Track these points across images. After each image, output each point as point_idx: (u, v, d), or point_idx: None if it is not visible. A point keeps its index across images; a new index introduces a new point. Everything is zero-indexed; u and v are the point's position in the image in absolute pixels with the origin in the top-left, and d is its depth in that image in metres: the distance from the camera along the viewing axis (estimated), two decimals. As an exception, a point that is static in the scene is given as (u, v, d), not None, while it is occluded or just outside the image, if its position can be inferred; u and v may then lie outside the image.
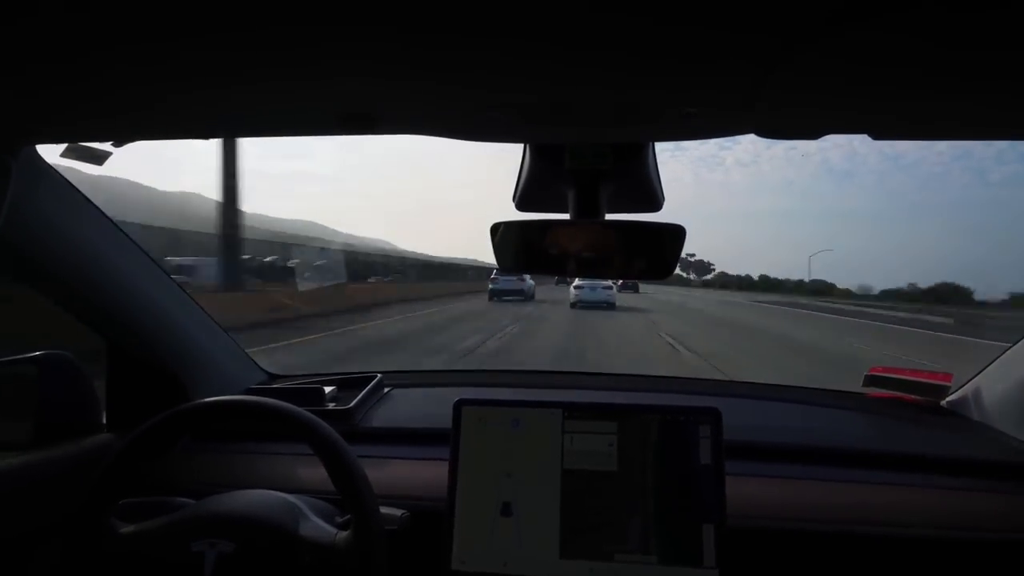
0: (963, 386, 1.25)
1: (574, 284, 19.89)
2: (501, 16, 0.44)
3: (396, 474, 1.07)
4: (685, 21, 0.44)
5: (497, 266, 0.89)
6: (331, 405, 1.27)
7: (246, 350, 1.42)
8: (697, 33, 0.46)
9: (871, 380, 1.33)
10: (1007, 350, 1.17)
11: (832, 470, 1.05)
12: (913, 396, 1.27)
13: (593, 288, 18.80)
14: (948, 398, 1.26)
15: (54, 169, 0.89)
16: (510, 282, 20.70)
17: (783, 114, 0.65)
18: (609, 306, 19.16)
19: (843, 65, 0.49)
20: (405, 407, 1.35)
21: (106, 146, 0.87)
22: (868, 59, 0.48)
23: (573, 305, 18.90)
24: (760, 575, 0.92)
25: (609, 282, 18.96)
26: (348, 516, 0.82)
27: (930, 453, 1.09)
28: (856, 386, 1.36)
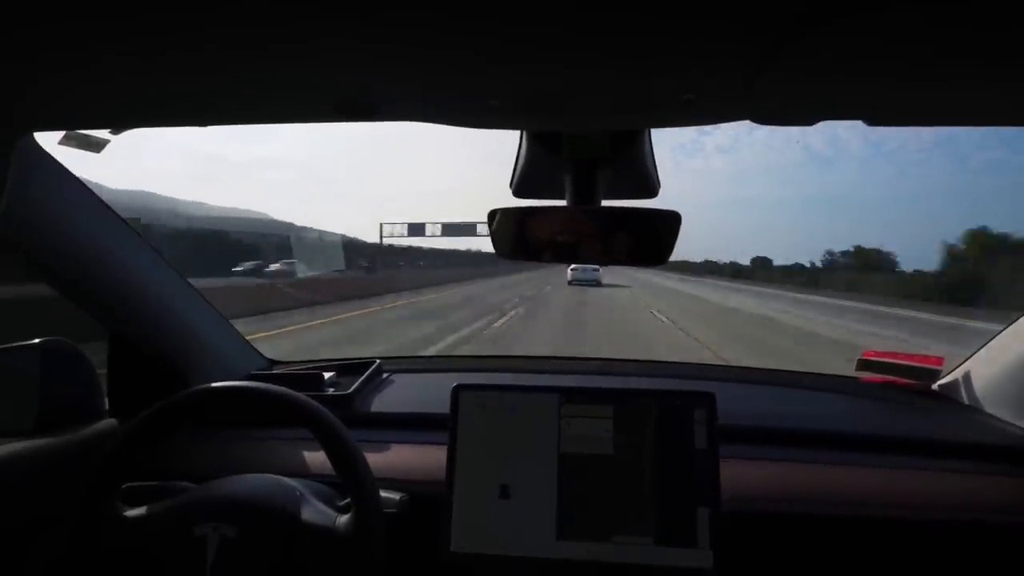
0: (954, 370, 1.27)
1: (570, 267, 25.54)
2: (499, 4, 0.44)
3: (395, 458, 1.08)
4: (683, 8, 0.44)
5: (494, 252, 0.90)
6: (331, 391, 1.28)
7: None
8: (695, 20, 0.46)
9: (864, 364, 1.35)
10: (997, 335, 1.18)
11: (825, 453, 1.06)
12: (905, 380, 1.29)
13: (584, 270, 26.55)
14: (939, 382, 1.27)
15: (53, 157, 0.88)
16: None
17: (779, 101, 0.65)
18: (597, 283, 27.27)
19: (840, 53, 0.49)
20: (404, 392, 1.36)
21: (104, 134, 0.87)
22: (864, 46, 0.48)
23: (570, 283, 26.67)
24: (754, 557, 0.94)
25: (596, 265, 23.83)
26: (348, 500, 0.83)
27: (921, 436, 1.10)
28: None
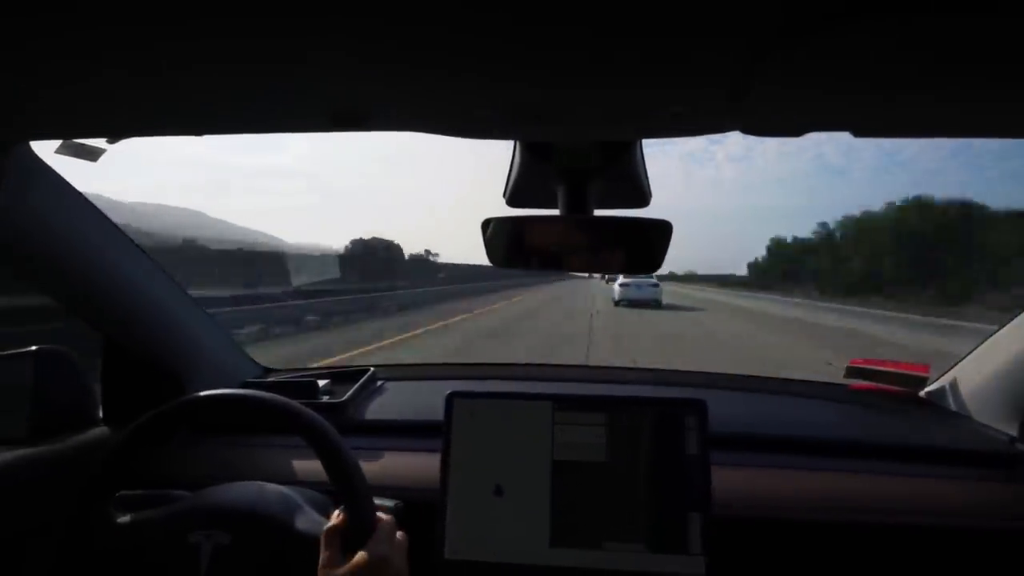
0: (940, 377, 1.28)
1: (619, 282, 18.87)
2: (492, 15, 0.45)
3: (389, 466, 1.09)
4: (668, 23, 0.45)
5: (489, 263, 0.90)
6: (325, 398, 1.28)
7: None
8: (681, 35, 0.47)
9: (852, 371, 1.37)
10: (982, 342, 1.20)
11: (814, 460, 1.07)
12: (893, 387, 1.30)
13: (639, 286, 18.25)
14: (926, 389, 1.29)
15: (48, 165, 0.89)
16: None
17: (767, 113, 0.66)
18: (656, 304, 17.50)
19: (824, 66, 0.50)
20: (398, 400, 1.36)
21: (100, 143, 0.88)
22: (849, 59, 0.49)
23: (617, 303, 17.80)
24: (745, 562, 0.95)
25: (655, 279, 17.13)
26: (342, 507, 0.84)
27: (908, 443, 1.12)
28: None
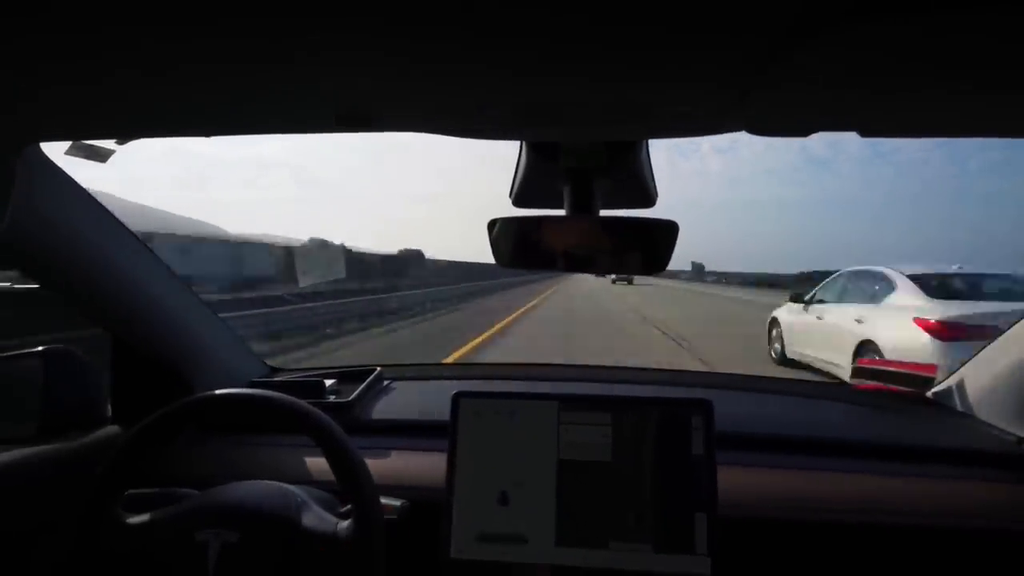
0: (948, 378, 1.28)
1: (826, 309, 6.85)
2: (498, 15, 0.45)
3: (396, 465, 1.09)
4: (677, 21, 0.45)
5: (495, 263, 0.90)
6: (332, 398, 1.29)
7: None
8: (688, 34, 0.47)
9: (859, 372, 1.36)
10: (990, 343, 1.20)
11: (821, 460, 1.07)
12: (899, 387, 1.30)
13: None
14: (933, 389, 1.29)
15: (58, 166, 0.90)
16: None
17: (773, 113, 0.66)
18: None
19: (832, 66, 0.50)
20: (404, 400, 1.37)
21: (109, 144, 0.88)
22: (856, 60, 0.49)
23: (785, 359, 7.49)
24: (750, 562, 0.95)
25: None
26: (349, 506, 0.84)
27: (915, 443, 1.11)
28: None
